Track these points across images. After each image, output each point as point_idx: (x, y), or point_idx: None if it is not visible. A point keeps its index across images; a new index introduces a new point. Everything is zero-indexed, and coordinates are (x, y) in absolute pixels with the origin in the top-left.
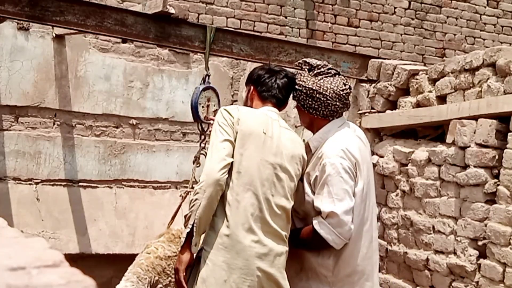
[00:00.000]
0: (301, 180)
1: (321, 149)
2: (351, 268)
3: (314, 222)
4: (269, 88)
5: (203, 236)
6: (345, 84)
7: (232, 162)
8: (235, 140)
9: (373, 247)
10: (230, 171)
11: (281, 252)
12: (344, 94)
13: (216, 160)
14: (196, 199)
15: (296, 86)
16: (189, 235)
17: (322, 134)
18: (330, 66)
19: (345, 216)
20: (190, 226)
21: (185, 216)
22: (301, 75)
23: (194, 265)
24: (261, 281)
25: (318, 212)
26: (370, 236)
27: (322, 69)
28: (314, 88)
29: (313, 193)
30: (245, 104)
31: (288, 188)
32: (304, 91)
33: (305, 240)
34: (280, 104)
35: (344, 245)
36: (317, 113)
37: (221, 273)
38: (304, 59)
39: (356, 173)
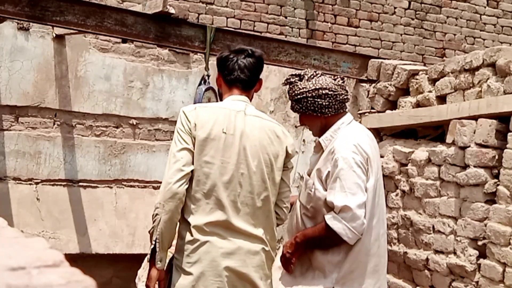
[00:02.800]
0: (309, 175)
1: (333, 144)
2: (355, 265)
3: (327, 217)
4: (230, 71)
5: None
6: (334, 78)
7: (193, 170)
8: (194, 146)
9: (381, 244)
10: (191, 180)
11: (255, 250)
12: (342, 84)
13: (172, 173)
14: (156, 214)
15: (298, 97)
16: (153, 251)
17: (332, 131)
18: (313, 70)
19: (359, 210)
20: (154, 243)
21: (149, 232)
22: (296, 85)
23: (170, 273)
24: (232, 281)
25: (331, 208)
26: (377, 233)
27: (310, 73)
28: (317, 87)
29: (325, 189)
30: (219, 94)
31: (259, 183)
32: (310, 95)
33: (317, 238)
34: (247, 87)
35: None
36: (330, 110)
37: (189, 279)
38: (290, 74)
39: (367, 168)
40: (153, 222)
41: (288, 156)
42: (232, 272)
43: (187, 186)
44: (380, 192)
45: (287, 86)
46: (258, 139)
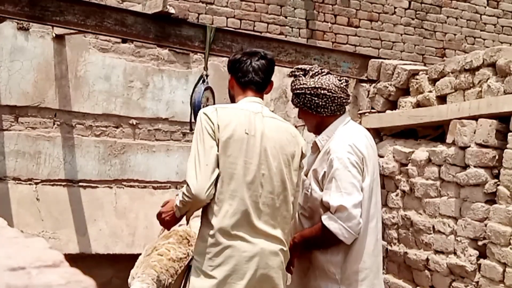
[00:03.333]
0: (306, 176)
1: (329, 145)
2: (358, 265)
3: (323, 217)
4: (244, 73)
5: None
6: (339, 79)
7: None
8: (217, 147)
9: (378, 247)
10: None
11: (275, 251)
12: (344, 86)
13: (203, 180)
14: (181, 205)
15: (298, 91)
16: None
17: (328, 132)
18: (320, 67)
19: (354, 209)
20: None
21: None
22: (298, 79)
23: (186, 274)
24: (254, 283)
25: (327, 209)
26: (376, 235)
27: (315, 70)
28: (317, 86)
29: (321, 190)
30: (230, 96)
31: (278, 184)
32: (308, 92)
33: (314, 238)
34: (260, 89)
35: (353, 241)
36: (326, 110)
37: (212, 282)
38: (296, 66)
39: (363, 168)
40: (178, 207)
41: (302, 156)
42: (255, 275)
43: (214, 191)
44: (377, 192)
45: (291, 78)
46: (277, 140)
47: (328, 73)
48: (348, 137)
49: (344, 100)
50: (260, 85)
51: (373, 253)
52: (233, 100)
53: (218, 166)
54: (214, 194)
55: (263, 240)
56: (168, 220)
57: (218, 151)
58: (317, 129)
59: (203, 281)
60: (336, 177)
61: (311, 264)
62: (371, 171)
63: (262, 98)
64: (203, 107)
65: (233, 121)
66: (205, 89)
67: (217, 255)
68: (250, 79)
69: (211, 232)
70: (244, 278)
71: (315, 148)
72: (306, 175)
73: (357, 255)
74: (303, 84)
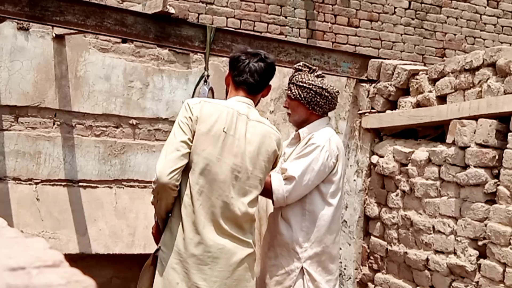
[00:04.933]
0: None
1: (309, 136)
2: (321, 248)
3: (274, 174)
4: (240, 72)
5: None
6: (333, 88)
7: (188, 163)
8: (193, 138)
9: (339, 236)
10: (186, 171)
11: (241, 253)
12: (337, 94)
13: (167, 163)
14: (153, 198)
15: (303, 85)
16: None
17: (312, 127)
18: (321, 71)
19: (298, 188)
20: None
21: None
22: (305, 74)
23: (155, 265)
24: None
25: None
26: (340, 224)
27: (320, 73)
28: (324, 87)
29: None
30: (226, 91)
31: (251, 188)
32: (314, 89)
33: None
34: (253, 91)
35: (319, 225)
36: (320, 110)
37: (174, 275)
38: (303, 63)
39: (336, 163)
40: (154, 207)
41: (277, 162)
42: (218, 273)
43: (179, 179)
44: (343, 191)
45: (295, 71)
46: (258, 145)
47: (324, 77)
48: (327, 133)
49: (335, 106)
50: (253, 86)
51: (335, 241)
52: (227, 96)
53: (188, 157)
54: (185, 187)
55: (228, 241)
56: (153, 233)
57: (191, 142)
58: (302, 123)
59: (167, 274)
60: (305, 155)
61: (272, 243)
62: (340, 169)
63: (255, 100)
64: None
65: (214, 117)
66: (209, 90)
67: (182, 250)
68: (244, 79)
69: (179, 225)
70: (206, 274)
71: (297, 139)
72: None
73: (322, 238)
74: (311, 80)
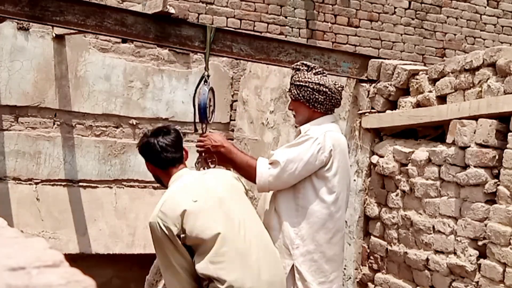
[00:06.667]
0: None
1: (306, 130)
2: (313, 246)
3: (260, 159)
4: (156, 156)
5: None
6: (336, 83)
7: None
8: (186, 244)
9: (338, 238)
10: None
11: None
12: (340, 90)
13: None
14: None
15: (300, 84)
16: None
17: (315, 123)
18: (321, 68)
19: (284, 174)
20: None
21: None
22: (303, 73)
23: None
24: None
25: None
26: (341, 225)
27: (318, 69)
28: (321, 83)
29: None
30: (159, 181)
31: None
32: (311, 86)
33: (239, 163)
34: (179, 161)
35: (311, 221)
36: (321, 107)
37: None
38: (301, 62)
39: (330, 158)
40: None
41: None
42: None
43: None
44: (345, 190)
45: (293, 71)
46: (221, 189)
47: (327, 75)
48: (327, 129)
49: (338, 101)
50: (176, 159)
51: (331, 241)
52: (164, 185)
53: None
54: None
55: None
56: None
57: (187, 244)
58: (306, 123)
59: None
60: (296, 144)
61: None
62: (336, 166)
63: (186, 166)
64: (207, 107)
65: (187, 205)
66: (209, 90)
67: None
68: (165, 158)
69: None
70: None
71: (298, 136)
72: None
73: (315, 236)
74: (307, 78)
